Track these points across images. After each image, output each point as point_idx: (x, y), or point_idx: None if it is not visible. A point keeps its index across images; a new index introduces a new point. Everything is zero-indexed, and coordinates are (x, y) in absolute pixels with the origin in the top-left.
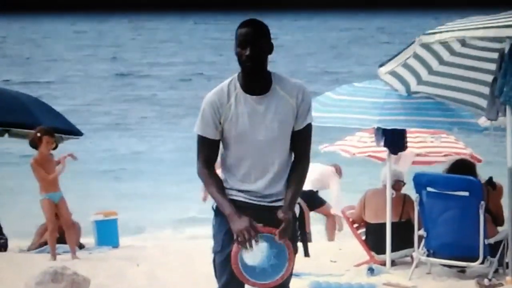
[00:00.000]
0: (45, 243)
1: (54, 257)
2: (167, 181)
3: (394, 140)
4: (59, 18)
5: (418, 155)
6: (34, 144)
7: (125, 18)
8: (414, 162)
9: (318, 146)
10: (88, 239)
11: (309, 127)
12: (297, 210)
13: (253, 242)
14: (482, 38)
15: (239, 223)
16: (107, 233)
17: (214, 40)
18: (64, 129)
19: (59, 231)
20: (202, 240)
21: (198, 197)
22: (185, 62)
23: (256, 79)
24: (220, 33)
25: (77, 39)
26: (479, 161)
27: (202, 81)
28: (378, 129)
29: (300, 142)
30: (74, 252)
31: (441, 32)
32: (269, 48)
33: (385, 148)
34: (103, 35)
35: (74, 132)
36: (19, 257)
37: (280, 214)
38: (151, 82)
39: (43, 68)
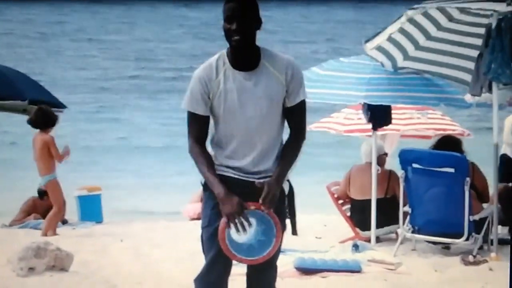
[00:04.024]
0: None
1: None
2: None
3: (379, 115)
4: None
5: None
6: (51, 123)
7: None
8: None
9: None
10: (71, 215)
11: (302, 103)
12: (286, 187)
13: (244, 223)
14: (468, 13)
15: (229, 206)
16: (91, 209)
17: None
18: (49, 102)
19: (46, 209)
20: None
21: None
22: None
23: (243, 55)
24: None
25: None
26: (468, 135)
27: None
28: (365, 104)
29: (294, 119)
30: (46, 230)
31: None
32: (257, 23)
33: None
34: None
35: (58, 105)
36: (1, 232)
37: (259, 184)
38: None
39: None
